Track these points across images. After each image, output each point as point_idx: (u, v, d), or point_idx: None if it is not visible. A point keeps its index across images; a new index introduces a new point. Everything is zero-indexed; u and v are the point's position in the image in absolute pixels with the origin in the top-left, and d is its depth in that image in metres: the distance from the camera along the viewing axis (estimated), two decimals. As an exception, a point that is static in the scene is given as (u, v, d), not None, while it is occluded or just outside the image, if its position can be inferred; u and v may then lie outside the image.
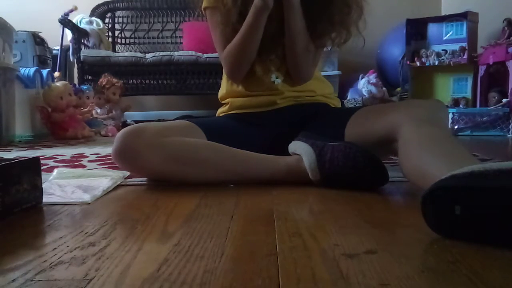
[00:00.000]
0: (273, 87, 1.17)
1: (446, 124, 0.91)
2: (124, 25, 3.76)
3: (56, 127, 2.41)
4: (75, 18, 3.32)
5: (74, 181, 1.00)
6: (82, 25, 3.33)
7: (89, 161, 1.42)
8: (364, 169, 0.88)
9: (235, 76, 1.18)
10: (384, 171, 0.89)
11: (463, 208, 0.55)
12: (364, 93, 3.05)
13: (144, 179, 1.04)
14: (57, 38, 3.27)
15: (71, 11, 3.26)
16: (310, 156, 0.93)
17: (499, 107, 2.40)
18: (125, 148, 0.95)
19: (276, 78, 1.16)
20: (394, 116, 0.92)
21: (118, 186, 1.00)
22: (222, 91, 1.27)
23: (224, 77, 1.25)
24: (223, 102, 1.27)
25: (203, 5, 1.17)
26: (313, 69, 1.18)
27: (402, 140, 0.85)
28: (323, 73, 2.31)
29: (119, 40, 3.76)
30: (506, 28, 2.59)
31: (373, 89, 3.03)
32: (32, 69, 2.38)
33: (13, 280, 0.48)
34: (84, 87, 2.67)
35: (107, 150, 1.76)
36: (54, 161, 1.44)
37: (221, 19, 1.13)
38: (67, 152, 1.72)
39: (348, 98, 3.16)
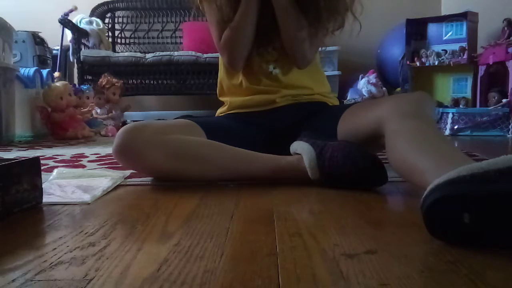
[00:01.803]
0: (272, 78, 1.17)
1: (431, 116, 0.91)
2: (124, 25, 3.76)
3: (56, 127, 2.41)
4: (75, 18, 3.32)
5: (74, 181, 1.00)
6: (82, 25, 3.32)
7: (89, 161, 1.42)
8: (363, 168, 0.88)
9: (234, 63, 1.17)
10: (383, 171, 0.89)
11: (472, 216, 0.54)
12: (364, 93, 3.05)
13: (144, 178, 1.04)
14: (57, 38, 3.27)
15: (71, 11, 3.26)
16: (310, 155, 0.94)
17: (499, 107, 2.40)
18: (126, 145, 0.95)
19: (274, 68, 1.16)
20: (380, 111, 0.92)
21: (118, 186, 1.00)
22: (219, 86, 1.27)
23: (220, 72, 1.25)
24: (221, 98, 1.26)
25: None
26: (313, 52, 1.17)
27: (388, 134, 0.86)
28: (323, 73, 2.31)
29: (119, 40, 3.76)
30: (506, 28, 2.58)
31: (373, 89, 3.03)
32: (32, 69, 2.38)
33: (13, 280, 0.48)
34: (84, 87, 2.67)
35: (107, 150, 1.76)
36: (54, 161, 1.44)
37: (218, 9, 1.13)
38: (67, 152, 1.72)
39: (348, 98, 3.16)
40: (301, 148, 0.97)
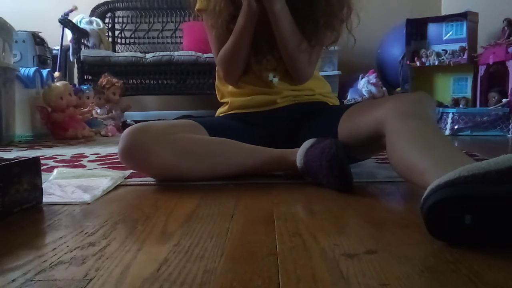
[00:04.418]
0: (271, 85, 1.17)
1: (432, 116, 0.91)
2: (124, 25, 3.76)
3: (56, 127, 2.41)
4: (75, 18, 3.32)
5: (74, 181, 1.00)
6: (82, 25, 3.33)
7: (89, 161, 1.42)
8: (325, 165, 0.88)
9: (230, 78, 1.20)
10: (343, 178, 0.88)
11: (473, 217, 0.54)
12: (364, 93, 3.05)
13: (144, 178, 1.05)
14: (57, 38, 3.27)
15: (71, 11, 3.26)
16: (306, 143, 0.97)
17: (499, 107, 2.40)
18: (133, 145, 0.95)
19: (274, 77, 1.17)
20: (381, 111, 0.92)
21: (118, 186, 1.00)
22: (218, 92, 1.29)
23: (218, 80, 1.27)
24: (222, 101, 1.27)
25: (197, 6, 1.19)
26: (312, 69, 1.19)
27: (388, 134, 0.86)
28: (323, 73, 2.32)
29: (119, 40, 3.76)
30: (506, 28, 2.58)
31: (373, 89, 3.03)
32: (32, 69, 2.38)
33: (13, 280, 0.48)
34: (84, 87, 2.67)
35: (107, 150, 1.76)
36: (54, 161, 1.44)
37: (214, 22, 1.14)
38: (67, 152, 1.72)
39: (348, 98, 3.16)
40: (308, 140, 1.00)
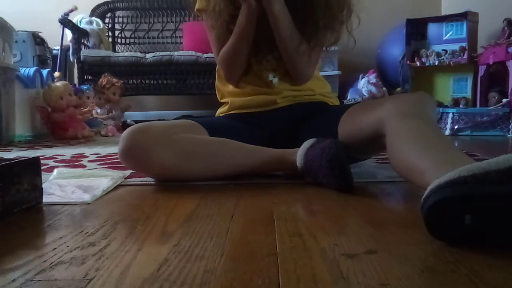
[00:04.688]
0: (271, 85, 1.17)
1: (432, 116, 0.91)
2: (124, 25, 3.76)
3: (56, 127, 2.41)
4: (75, 18, 3.32)
5: (74, 181, 1.00)
6: (82, 25, 3.33)
7: (89, 161, 1.42)
8: (325, 165, 0.88)
9: (231, 78, 1.20)
10: (343, 178, 0.88)
11: (473, 217, 0.54)
12: (364, 93, 3.05)
13: (144, 178, 1.05)
14: (57, 38, 3.27)
15: (71, 11, 3.26)
16: (306, 143, 0.98)
17: (499, 107, 2.40)
18: (133, 146, 0.95)
19: (274, 77, 1.17)
20: (381, 111, 0.92)
21: (118, 186, 1.00)
22: (218, 92, 1.29)
23: (218, 80, 1.27)
24: (222, 101, 1.27)
25: (196, 6, 1.19)
26: (312, 69, 1.19)
27: (389, 134, 0.86)
28: (323, 73, 2.31)
29: (119, 40, 3.76)
30: (506, 28, 2.58)
31: (373, 89, 3.03)
32: (32, 69, 2.39)
33: (13, 280, 0.48)
34: (84, 87, 2.67)
35: (107, 150, 1.76)
36: (54, 161, 1.44)
37: (214, 23, 1.14)
38: (67, 152, 1.72)
39: (348, 98, 3.16)
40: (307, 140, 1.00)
